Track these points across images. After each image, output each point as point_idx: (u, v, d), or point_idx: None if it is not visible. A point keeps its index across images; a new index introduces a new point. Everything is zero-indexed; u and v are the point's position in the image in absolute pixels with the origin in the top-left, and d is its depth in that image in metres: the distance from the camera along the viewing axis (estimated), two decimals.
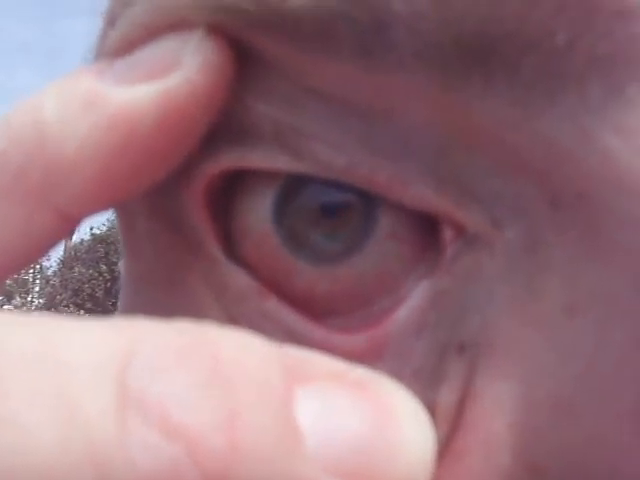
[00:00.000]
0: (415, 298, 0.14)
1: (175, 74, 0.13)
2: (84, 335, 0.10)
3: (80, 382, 0.10)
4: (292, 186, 0.14)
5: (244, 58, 0.14)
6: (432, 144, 0.13)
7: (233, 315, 0.15)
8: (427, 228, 0.14)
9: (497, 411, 0.13)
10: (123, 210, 0.16)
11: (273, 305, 0.14)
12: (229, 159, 0.14)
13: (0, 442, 0.09)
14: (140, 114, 0.13)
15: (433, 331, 0.13)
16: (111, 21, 0.15)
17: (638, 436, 0.12)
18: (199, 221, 0.15)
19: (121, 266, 0.18)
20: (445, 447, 0.13)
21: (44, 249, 0.14)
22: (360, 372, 0.12)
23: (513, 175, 0.13)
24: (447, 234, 0.14)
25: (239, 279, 0.15)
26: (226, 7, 0.13)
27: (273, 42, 0.13)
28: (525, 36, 0.12)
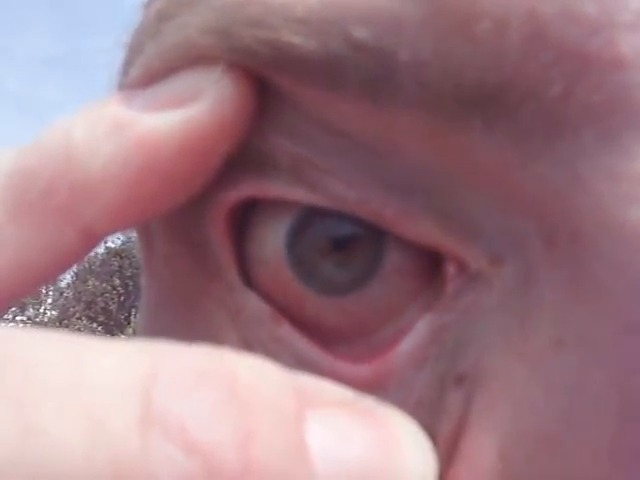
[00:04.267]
0: (418, 332, 0.14)
1: (198, 103, 0.14)
2: (111, 356, 0.11)
3: (107, 399, 0.10)
4: (305, 218, 0.15)
5: (262, 91, 0.14)
6: (436, 181, 0.13)
7: (247, 339, 0.15)
8: (431, 263, 0.14)
9: (488, 441, 0.13)
10: (144, 232, 0.17)
11: (286, 331, 0.15)
12: (248, 188, 0.15)
13: (30, 449, 0.10)
14: (163, 139, 0.14)
15: (434, 363, 0.14)
16: (134, 54, 0.16)
17: (615, 471, 0.12)
18: (218, 246, 0.15)
19: (140, 282, 0.18)
20: (441, 476, 0.13)
21: (66, 265, 0.15)
22: (368, 401, 0.12)
23: (512, 213, 0.13)
24: (450, 270, 0.14)
25: (254, 304, 0.15)
26: (241, 49, 0.13)
27: (286, 79, 0.14)
28: (523, 86, 0.12)
